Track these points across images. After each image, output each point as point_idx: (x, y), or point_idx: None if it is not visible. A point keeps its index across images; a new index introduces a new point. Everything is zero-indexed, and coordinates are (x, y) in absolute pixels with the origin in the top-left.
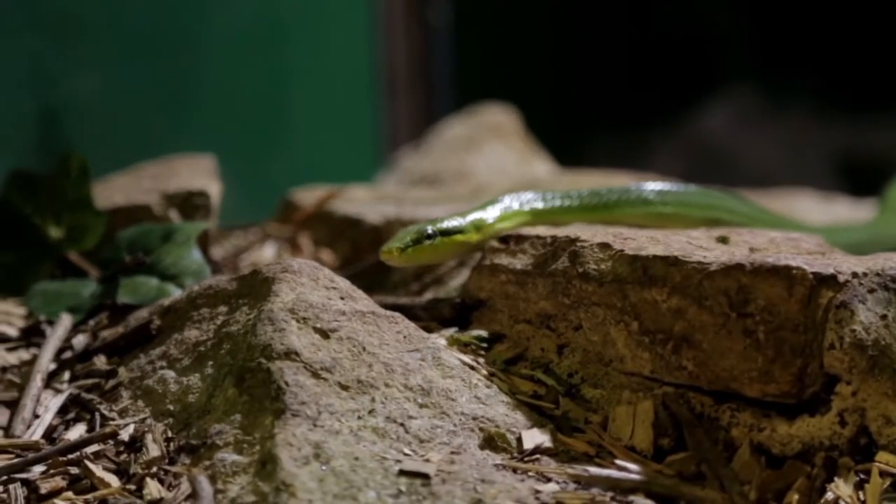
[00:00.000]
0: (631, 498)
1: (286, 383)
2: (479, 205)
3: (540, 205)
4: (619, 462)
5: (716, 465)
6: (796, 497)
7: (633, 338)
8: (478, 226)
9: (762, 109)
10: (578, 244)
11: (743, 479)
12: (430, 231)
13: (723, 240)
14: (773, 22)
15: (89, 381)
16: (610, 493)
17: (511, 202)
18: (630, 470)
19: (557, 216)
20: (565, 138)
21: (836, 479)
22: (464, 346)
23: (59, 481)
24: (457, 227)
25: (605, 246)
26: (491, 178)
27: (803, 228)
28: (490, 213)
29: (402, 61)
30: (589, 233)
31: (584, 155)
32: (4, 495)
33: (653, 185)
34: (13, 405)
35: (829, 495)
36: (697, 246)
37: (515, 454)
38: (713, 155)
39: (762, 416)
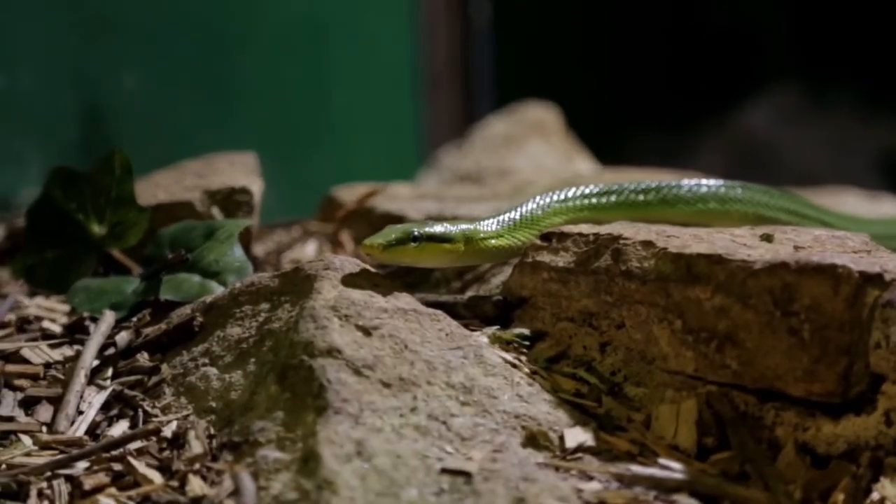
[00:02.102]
0: (674, 497)
1: (328, 381)
2: (493, 215)
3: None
4: (662, 461)
5: (760, 465)
6: (842, 497)
7: (677, 336)
8: (468, 237)
9: (805, 107)
10: (621, 242)
11: (788, 478)
12: (416, 233)
13: (767, 238)
14: (817, 19)
15: (132, 378)
16: (653, 493)
17: (511, 215)
18: (673, 469)
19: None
20: (607, 136)
21: (881, 478)
22: (506, 344)
23: (102, 477)
24: (446, 234)
25: (648, 244)
26: (532, 176)
27: (859, 223)
28: (484, 227)
29: (443, 59)
30: (632, 230)
31: (625, 153)
32: (48, 491)
33: (644, 184)
34: (57, 401)
35: (875, 495)
36: (741, 244)
37: (558, 453)
38: (756, 153)
39: (807, 415)
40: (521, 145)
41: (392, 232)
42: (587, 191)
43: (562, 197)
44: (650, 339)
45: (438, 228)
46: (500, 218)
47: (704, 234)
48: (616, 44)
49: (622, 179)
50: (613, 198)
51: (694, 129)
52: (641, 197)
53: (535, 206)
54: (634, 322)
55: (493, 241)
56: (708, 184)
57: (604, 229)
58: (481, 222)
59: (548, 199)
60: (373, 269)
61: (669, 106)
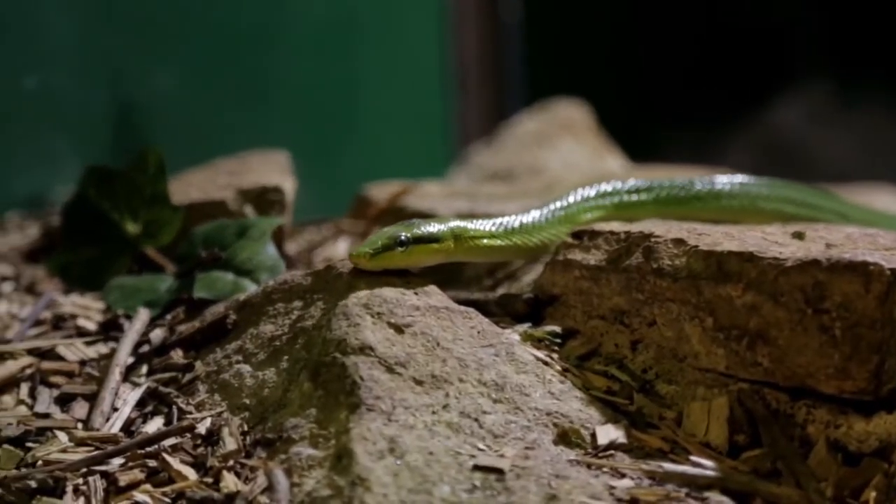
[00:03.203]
0: (706, 494)
1: (361, 378)
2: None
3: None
4: (693, 458)
5: (792, 462)
6: (873, 494)
7: (708, 334)
8: (457, 235)
9: (836, 105)
10: (652, 240)
11: (819, 476)
12: (403, 238)
13: (798, 235)
14: (848, 16)
15: (166, 375)
16: (685, 490)
17: (510, 220)
18: (705, 466)
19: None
20: (637, 133)
21: None
22: (537, 342)
23: (137, 474)
24: (433, 234)
25: (679, 241)
26: (563, 174)
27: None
28: (476, 226)
29: (474, 57)
30: (663, 228)
31: (656, 150)
32: (84, 487)
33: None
34: (92, 398)
35: None
36: (773, 242)
37: (589, 450)
38: (787, 151)
39: (839, 412)
40: (552, 143)
41: (378, 239)
42: (582, 196)
43: (561, 205)
44: (681, 336)
45: (425, 229)
46: (499, 220)
47: (735, 231)
48: (646, 41)
49: (652, 177)
50: (608, 200)
51: (724, 127)
52: (635, 197)
53: (537, 215)
54: (666, 320)
55: (485, 241)
56: (739, 181)
57: (635, 227)
58: (473, 221)
59: (548, 209)
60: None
61: (700, 103)
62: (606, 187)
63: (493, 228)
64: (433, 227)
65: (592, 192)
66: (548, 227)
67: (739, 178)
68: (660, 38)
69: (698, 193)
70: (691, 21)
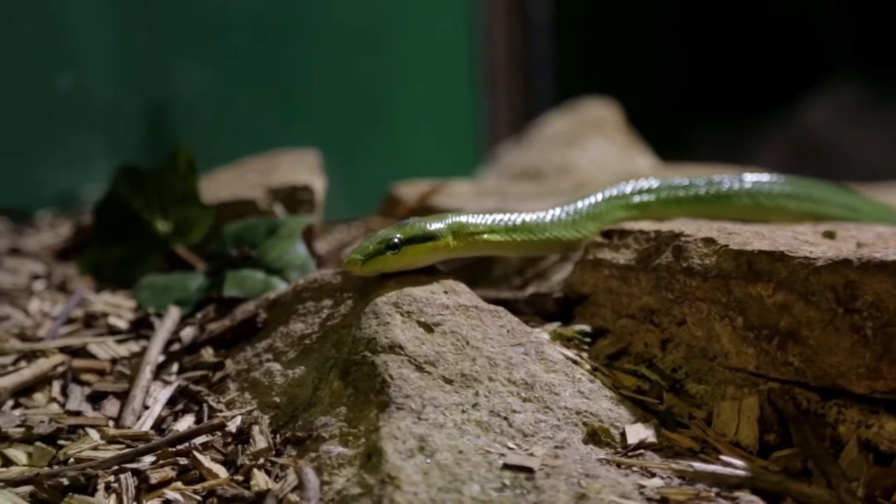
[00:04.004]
0: (736, 494)
1: (391, 376)
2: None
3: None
4: (724, 458)
5: (823, 462)
6: None
7: (738, 333)
8: (455, 231)
9: (867, 103)
10: (682, 239)
11: (850, 476)
12: (396, 241)
13: (829, 235)
14: (879, 13)
15: (197, 373)
16: (715, 489)
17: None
18: (735, 466)
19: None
20: (667, 132)
21: None
22: (567, 341)
23: (168, 471)
24: (428, 232)
25: (709, 241)
26: (593, 173)
27: None
28: (477, 220)
29: (503, 56)
30: (693, 227)
31: (686, 149)
32: (116, 485)
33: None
34: (123, 396)
35: None
36: (803, 241)
37: (619, 449)
38: (817, 149)
39: (870, 412)
40: (581, 142)
41: (370, 243)
42: (590, 201)
43: (567, 212)
44: (711, 336)
45: (419, 229)
46: (500, 216)
47: (766, 230)
48: (676, 39)
49: (682, 175)
50: (616, 203)
51: (755, 126)
52: (637, 199)
53: (537, 216)
54: (695, 319)
55: (485, 236)
56: (769, 180)
57: (665, 226)
58: (473, 216)
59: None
60: (434, 266)
61: (730, 102)
62: (612, 191)
63: (493, 223)
64: (429, 226)
65: (600, 196)
66: (552, 227)
67: (770, 177)
68: (689, 37)
69: (719, 193)
70: (721, 19)
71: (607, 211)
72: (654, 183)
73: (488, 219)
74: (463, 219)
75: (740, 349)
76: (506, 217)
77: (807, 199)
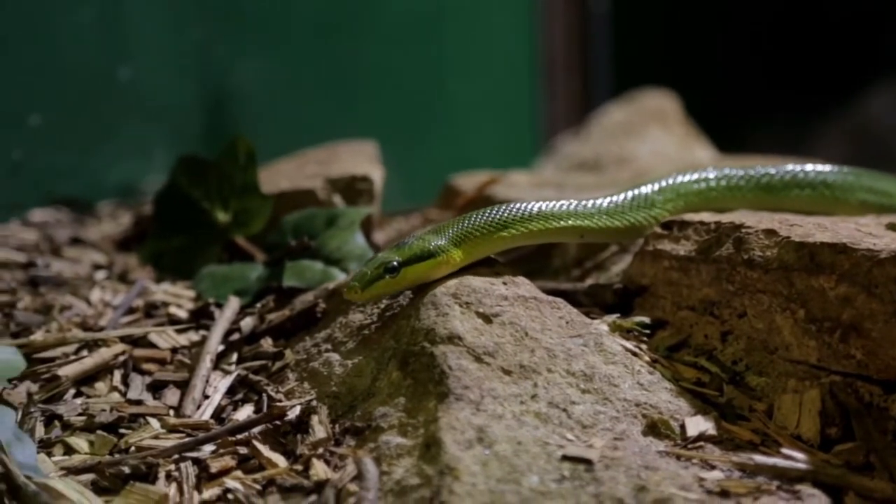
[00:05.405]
0: (797, 487)
1: (449, 367)
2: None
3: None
4: (784, 451)
5: (885, 456)
6: None
7: (800, 325)
8: (459, 240)
9: None
10: (743, 230)
11: None
12: (394, 264)
13: (893, 227)
14: None
15: (256, 363)
16: (776, 482)
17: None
18: (796, 459)
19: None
20: (726, 124)
21: None
22: (626, 333)
23: (228, 461)
24: (425, 251)
25: (770, 232)
26: (652, 164)
27: None
28: (477, 220)
29: (561, 47)
30: (754, 219)
31: (745, 140)
32: (176, 473)
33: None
34: (183, 385)
35: None
36: (866, 233)
37: (679, 441)
38: (879, 141)
39: None
40: (640, 133)
41: (367, 269)
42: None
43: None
44: (772, 328)
45: (418, 247)
46: (498, 211)
47: (828, 222)
48: (737, 30)
49: (740, 167)
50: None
51: (814, 117)
52: (657, 196)
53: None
54: (756, 311)
55: (500, 233)
56: (832, 170)
57: (725, 217)
58: (474, 213)
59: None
60: (492, 257)
61: (791, 93)
62: (666, 181)
63: (499, 217)
64: (429, 244)
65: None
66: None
67: (833, 168)
68: (750, 27)
69: (782, 182)
70: (781, 10)
71: (663, 201)
72: (711, 173)
73: (490, 215)
74: (460, 226)
75: (802, 341)
76: (505, 208)
77: (870, 191)
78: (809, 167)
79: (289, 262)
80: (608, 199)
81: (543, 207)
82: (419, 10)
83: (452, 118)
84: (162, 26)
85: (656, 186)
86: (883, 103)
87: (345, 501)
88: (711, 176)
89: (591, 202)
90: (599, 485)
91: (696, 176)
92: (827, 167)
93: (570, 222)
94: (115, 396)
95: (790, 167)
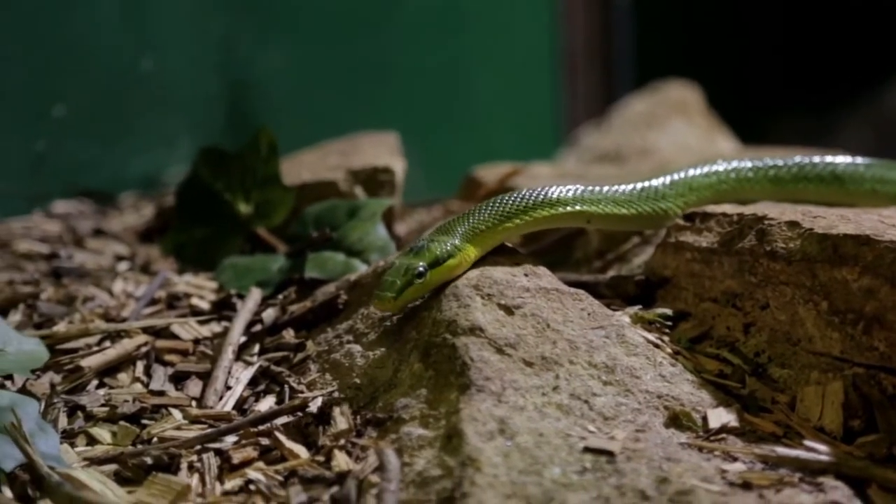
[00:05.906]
0: (820, 479)
1: (471, 359)
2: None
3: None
4: (807, 443)
5: None
6: None
7: (823, 317)
8: (471, 236)
9: None
10: (766, 222)
11: None
12: (421, 269)
13: None
14: None
15: (278, 354)
16: (798, 474)
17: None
18: (819, 451)
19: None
20: (749, 115)
21: None
22: (648, 324)
23: (250, 451)
24: (443, 253)
25: (793, 224)
26: (674, 155)
27: None
28: (483, 214)
29: (582, 39)
30: (777, 210)
31: (768, 132)
32: (198, 464)
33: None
34: (206, 376)
35: None
36: (890, 225)
37: (701, 433)
38: None
39: None
40: (663, 124)
41: (395, 278)
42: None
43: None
44: (795, 320)
45: (435, 250)
46: (496, 207)
47: (851, 214)
48: (759, 21)
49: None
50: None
51: (837, 109)
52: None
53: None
54: (779, 303)
55: (506, 224)
56: (855, 163)
57: (748, 209)
58: (476, 211)
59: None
60: (514, 249)
61: (813, 85)
62: (685, 171)
63: (503, 210)
64: (445, 245)
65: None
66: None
67: (857, 160)
68: (773, 19)
69: (803, 174)
70: (805, 1)
71: (677, 193)
72: (665, 181)
73: (490, 210)
74: (474, 221)
75: (825, 333)
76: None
77: (894, 183)
78: (833, 159)
79: (310, 254)
80: (616, 187)
81: (551, 193)
82: (441, 2)
83: (474, 109)
84: (185, 18)
85: (668, 179)
86: None
87: (366, 492)
88: (724, 168)
89: (597, 187)
90: (621, 476)
91: (706, 169)
92: (850, 159)
93: (576, 207)
94: (138, 387)
95: (813, 159)
